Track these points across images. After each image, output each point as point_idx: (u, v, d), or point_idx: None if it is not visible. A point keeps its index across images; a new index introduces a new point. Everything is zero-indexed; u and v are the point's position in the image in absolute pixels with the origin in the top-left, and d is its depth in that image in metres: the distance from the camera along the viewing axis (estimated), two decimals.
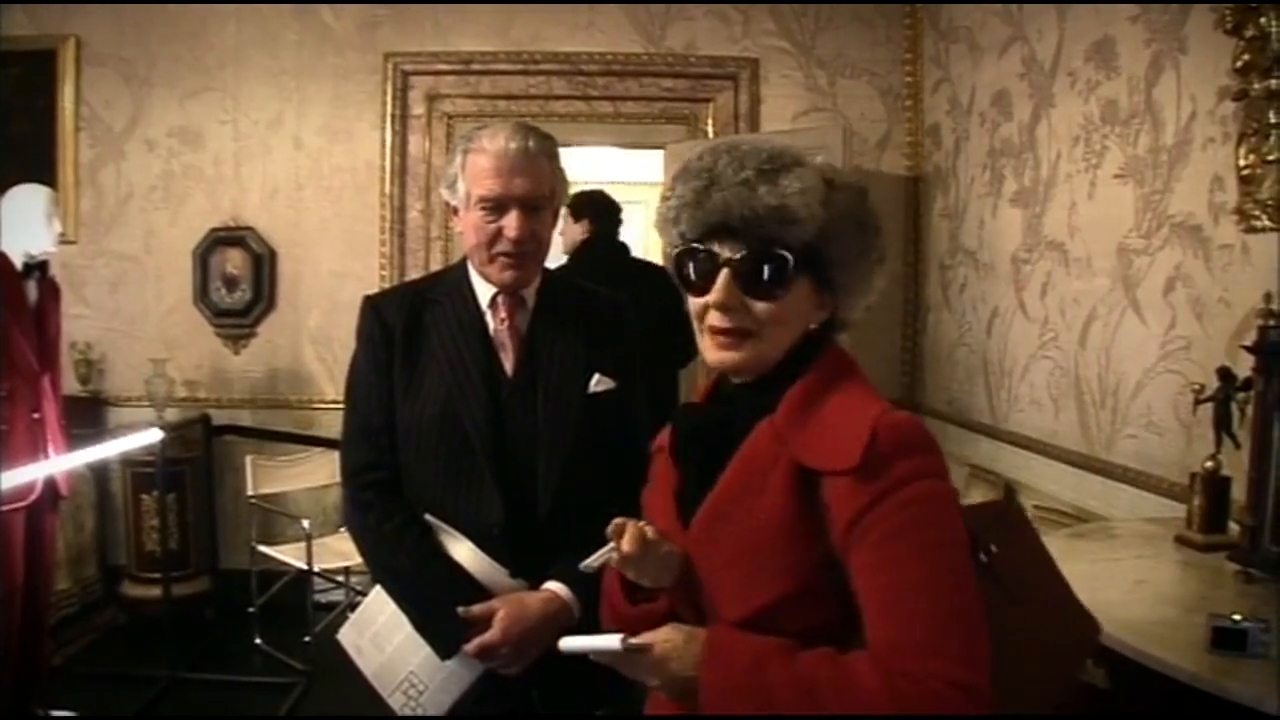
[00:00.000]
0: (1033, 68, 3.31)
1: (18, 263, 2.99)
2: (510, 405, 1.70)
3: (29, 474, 2.92)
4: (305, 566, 3.77)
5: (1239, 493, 1.99)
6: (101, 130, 4.50)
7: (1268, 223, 2.16)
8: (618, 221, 4.04)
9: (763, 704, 1.00)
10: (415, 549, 1.65)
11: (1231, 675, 1.39)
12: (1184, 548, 2.04)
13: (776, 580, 1.06)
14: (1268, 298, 1.90)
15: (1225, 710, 1.36)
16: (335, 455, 1.87)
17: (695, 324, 1.15)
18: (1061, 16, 3.11)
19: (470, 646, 1.59)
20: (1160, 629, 1.56)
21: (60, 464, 3.10)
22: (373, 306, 1.77)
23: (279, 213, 4.55)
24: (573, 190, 1.98)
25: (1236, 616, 1.46)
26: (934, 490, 1.03)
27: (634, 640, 1.06)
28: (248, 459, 4.02)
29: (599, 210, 3.96)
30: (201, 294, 4.53)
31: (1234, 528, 2.01)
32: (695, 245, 1.12)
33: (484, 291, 1.74)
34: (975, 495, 3.46)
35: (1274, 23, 2.12)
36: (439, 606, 1.61)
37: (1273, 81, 2.13)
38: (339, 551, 3.84)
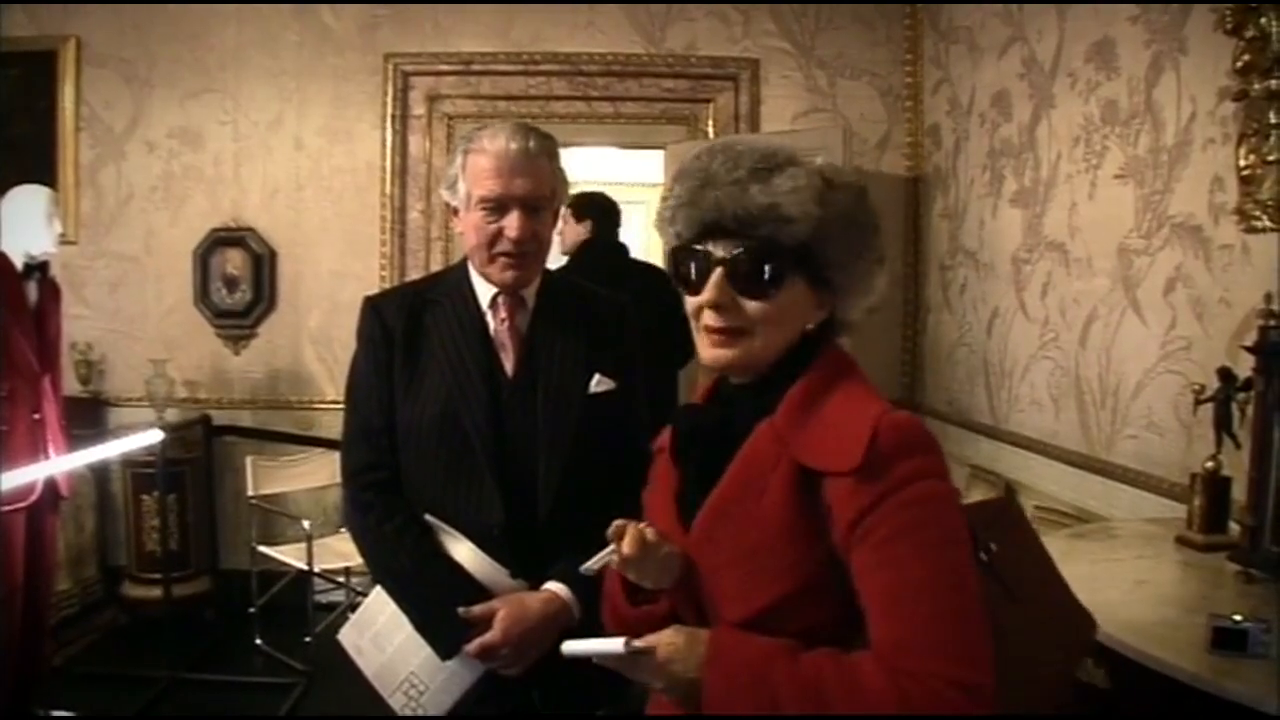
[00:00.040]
0: (1033, 68, 3.31)
1: (18, 263, 3.00)
2: (511, 405, 1.70)
3: (29, 474, 2.92)
4: (306, 567, 3.77)
5: (1239, 493, 1.99)
6: (102, 131, 4.50)
7: (1268, 223, 2.16)
8: (618, 222, 4.05)
9: (767, 705, 1.00)
10: (416, 549, 1.65)
11: (1232, 675, 1.39)
12: (1184, 548, 2.04)
13: (778, 581, 1.06)
14: (1268, 298, 1.90)
15: (1226, 710, 1.36)
16: (335, 456, 1.87)
17: (692, 323, 1.16)
18: (1061, 17, 3.11)
19: (471, 647, 1.59)
20: (1161, 629, 1.56)
21: (61, 464, 3.11)
22: (373, 307, 1.77)
23: (279, 213, 4.55)
24: (573, 190, 1.98)
25: (1237, 617, 1.46)
26: (935, 490, 1.03)
27: (637, 643, 1.06)
28: (248, 459, 4.02)
29: (601, 211, 3.96)
30: (202, 294, 4.53)
31: (1234, 528, 2.01)
32: (691, 245, 1.13)
33: (484, 292, 1.74)
34: (976, 495, 3.46)
35: (1274, 23, 2.12)
36: (439, 607, 1.61)
37: (1273, 82, 2.13)
38: (339, 552, 3.84)
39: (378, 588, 1.73)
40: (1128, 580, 1.83)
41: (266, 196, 4.55)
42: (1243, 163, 2.23)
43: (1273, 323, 1.86)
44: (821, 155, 1.18)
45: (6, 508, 2.83)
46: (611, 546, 1.14)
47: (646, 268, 3.97)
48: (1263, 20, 2.14)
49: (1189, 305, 2.46)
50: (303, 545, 3.75)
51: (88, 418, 4.23)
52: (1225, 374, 2.06)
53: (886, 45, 4.52)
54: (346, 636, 1.74)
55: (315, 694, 3.54)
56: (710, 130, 4.53)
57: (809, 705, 0.98)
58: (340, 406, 1.84)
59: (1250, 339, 1.95)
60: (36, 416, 3.02)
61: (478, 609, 1.59)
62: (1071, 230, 3.04)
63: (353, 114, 4.53)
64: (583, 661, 1.10)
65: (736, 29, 4.53)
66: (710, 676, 1.04)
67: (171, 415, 4.27)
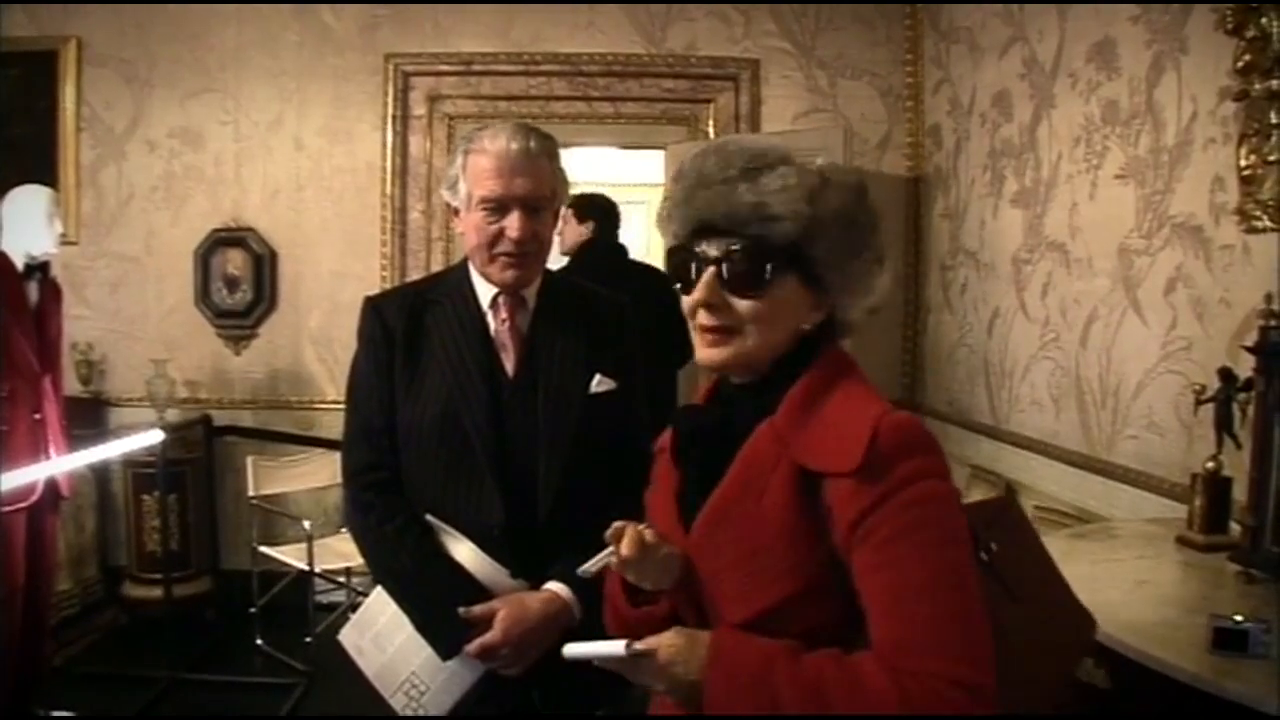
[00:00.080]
0: (1033, 68, 3.31)
1: (19, 263, 3.00)
2: (511, 406, 1.70)
3: (30, 475, 2.92)
4: (306, 567, 3.77)
5: (1240, 493, 1.99)
6: (102, 131, 4.51)
7: (1268, 223, 2.16)
8: (619, 223, 4.08)
9: (768, 706, 0.99)
10: (416, 549, 1.66)
11: (1232, 676, 1.39)
12: (1185, 548, 2.04)
13: (779, 582, 1.06)
14: (1268, 298, 1.90)
15: (1226, 711, 1.36)
16: (336, 456, 1.87)
17: (689, 323, 1.16)
18: (1062, 17, 3.11)
19: (471, 647, 1.59)
20: (1161, 629, 1.55)
21: (61, 465, 3.11)
22: (374, 307, 1.77)
23: (280, 213, 4.55)
24: (573, 191, 1.99)
25: (1238, 617, 1.46)
26: (936, 490, 1.03)
27: (638, 645, 1.06)
28: (249, 460, 4.02)
29: (603, 212, 3.99)
30: (202, 295, 4.53)
31: (1235, 528, 2.01)
32: (685, 244, 1.14)
33: (485, 292, 1.74)
34: (976, 496, 3.46)
35: (1275, 23, 2.12)
36: (440, 607, 1.61)
37: (1273, 82, 2.13)
38: (340, 552, 3.84)
39: (378, 588, 1.73)
40: (1128, 580, 1.83)
41: (267, 197, 4.55)
42: (1243, 163, 2.23)
43: (1273, 323, 1.86)
44: (822, 155, 1.18)
45: (7, 508, 2.83)
46: (610, 548, 1.14)
47: (646, 269, 3.99)
48: (1263, 20, 2.14)
49: (1190, 305, 2.46)
50: (303, 545, 3.75)
51: (88, 418, 4.23)
52: (1226, 374, 2.06)
53: (887, 45, 4.52)
54: (347, 637, 1.74)
55: (316, 694, 3.54)
56: (711, 130, 4.54)
57: (810, 706, 0.98)
58: (341, 407, 1.84)
59: (1251, 339, 1.95)
60: (37, 416, 3.03)
61: (478, 609, 1.59)
62: (1072, 230, 3.04)
63: (353, 114, 4.53)
64: (583, 662, 1.10)
65: (737, 29, 4.53)
66: (711, 678, 1.03)
67: (172, 415, 4.27)
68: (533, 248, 1.69)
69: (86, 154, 4.50)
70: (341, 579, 4.06)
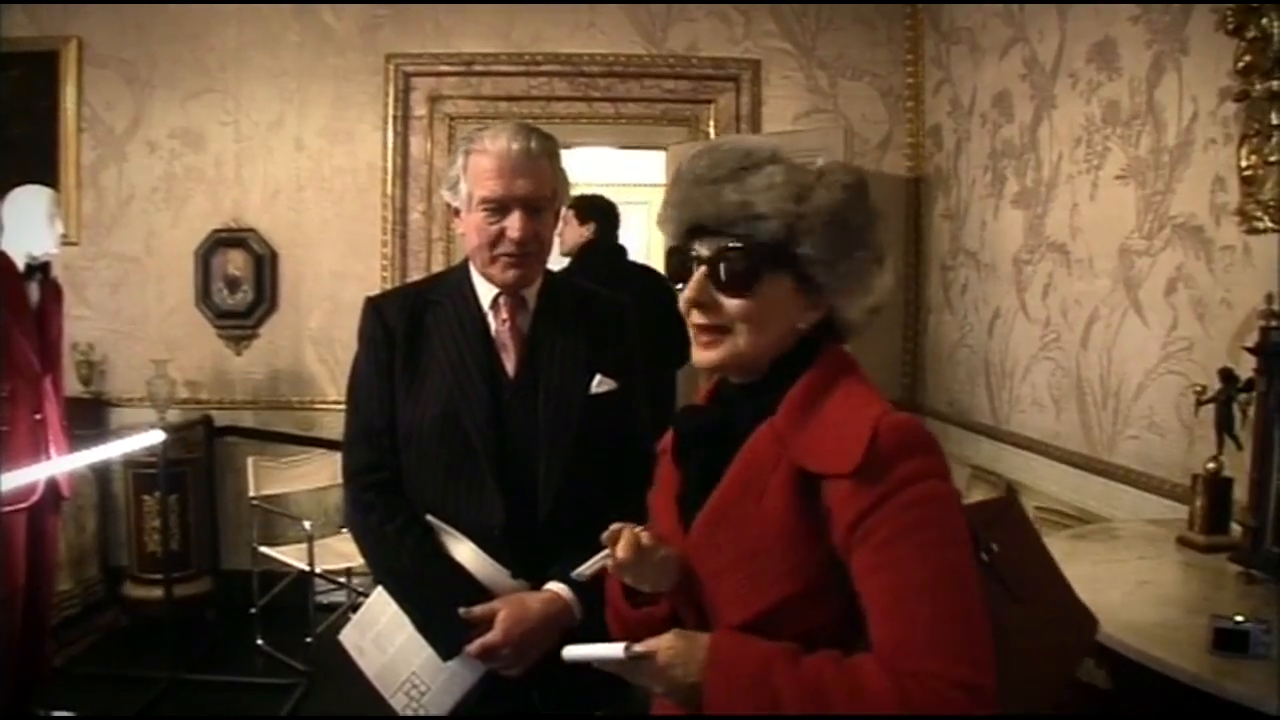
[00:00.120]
0: (1034, 69, 3.31)
1: (20, 264, 3.00)
2: (512, 406, 1.70)
3: (31, 475, 2.92)
4: (307, 567, 3.76)
5: (1241, 494, 1.99)
6: (103, 132, 4.51)
7: (1269, 224, 2.16)
8: (619, 225, 4.10)
9: (768, 708, 0.99)
10: (417, 550, 1.66)
11: (1233, 676, 1.38)
12: (1186, 549, 2.04)
13: (778, 583, 1.06)
14: (1269, 299, 1.90)
15: (1227, 711, 1.36)
16: (337, 456, 1.87)
17: (687, 324, 1.17)
18: (1063, 17, 3.11)
19: (472, 647, 1.59)
20: (1162, 630, 1.55)
21: (62, 465, 3.11)
22: (374, 308, 1.77)
23: (280, 214, 4.55)
24: (572, 191, 1.99)
25: (1238, 617, 1.46)
26: (936, 491, 1.02)
27: (637, 648, 1.06)
28: (249, 460, 4.02)
29: (604, 214, 4.02)
30: (203, 295, 4.54)
31: (1236, 529, 2.01)
32: (680, 245, 1.15)
33: (485, 292, 1.74)
34: (977, 496, 3.46)
35: (1275, 23, 2.12)
36: (441, 607, 1.61)
37: (1274, 82, 2.13)
38: (340, 552, 3.84)
39: (379, 588, 1.73)
40: (1129, 581, 1.82)
41: (268, 197, 4.55)
42: (1244, 163, 2.23)
43: (1274, 323, 1.86)
44: (823, 156, 1.18)
45: (8, 508, 2.83)
46: (606, 551, 1.14)
47: (645, 270, 4.04)
48: (1264, 21, 2.14)
49: (1190, 306, 2.46)
50: (304, 546, 3.75)
51: (89, 418, 4.23)
52: (1227, 375, 2.06)
53: (888, 46, 4.52)
54: (348, 637, 1.74)
55: (316, 694, 3.54)
56: (711, 131, 4.54)
57: (810, 708, 0.98)
58: (341, 407, 1.84)
59: (1251, 340, 1.95)
60: (38, 417, 3.03)
61: (479, 609, 1.59)
62: (1073, 231, 3.04)
63: (354, 115, 4.53)
64: (585, 664, 1.10)
65: (737, 30, 4.53)
66: (711, 680, 1.03)
67: (173, 416, 4.27)
68: (534, 248, 1.69)
69: (87, 154, 4.50)
70: (342, 579, 4.06)
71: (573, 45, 4.52)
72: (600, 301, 1.85)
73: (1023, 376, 3.40)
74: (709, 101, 4.56)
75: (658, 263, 5.53)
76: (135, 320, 4.55)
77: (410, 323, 1.73)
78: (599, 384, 1.74)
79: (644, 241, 6.74)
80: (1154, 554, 2.03)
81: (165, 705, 3.45)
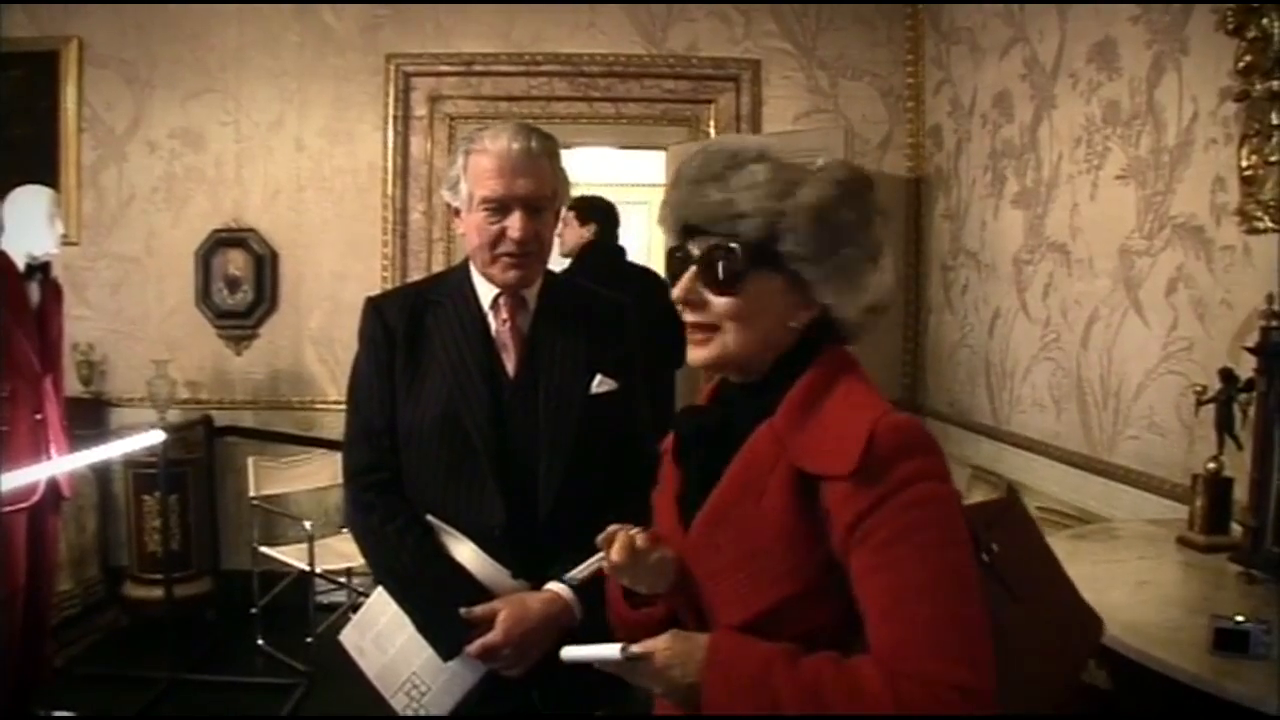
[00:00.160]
0: (1034, 69, 3.31)
1: (20, 264, 3.00)
2: (512, 406, 1.70)
3: (31, 475, 2.92)
4: (307, 567, 3.76)
5: (1241, 494, 1.99)
6: (103, 132, 4.51)
7: (1269, 224, 2.16)
8: (619, 225, 4.13)
9: (767, 709, 1.00)
10: (417, 550, 1.65)
11: (1233, 676, 1.38)
12: (1186, 549, 2.04)
13: (777, 584, 1.06)
14: (1269, 299, 1.90)
15: (1227, 711, 1.36)
16: (337, 456, 1.87)
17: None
18: (1063, 17, 3.11)
19: (472, 648, 1.59)
20: (1162, 630, 1.55)
21: (62, 465, 3.11)
22: (375, 308, 1.77)
23: (281, 214, 4.55)
24: (573, 192, 1.99)
25: (1239, 618, 1.46)
26: (935, 492, 1.02)
27: (634, 648, 1.06)
28: (249, 460, 4.02)
29: (604, 214, 4.04)
30: (203, 295, 4.53)
31: (1236, 529, 2.01)
32: (678, 245, 1.15)
33: (486, 292, 1.74)
34: (977, 496, 3.46)
35: (1276, 23, 2.12)
36: (441, 607, 1.61)
37: (1274, 82, 2.13)
38: (341, 552, 3.84)
39: (379, 588, 1.73)
40: (1129, 581, 1.82)
41: (268, 197, 4.55)
42: (1244, 163, 2.23)
43: (1274, 323, 1.86)
44: (824, 156, 1.17)
45: (8, 508, 2.83)
46: (600, 554, 1.15)
47: (645, 271, 4.07)
48: (1264, 21, 2.14)
49: (1190, 306, 2.46)
50: (304, 546, 3.75)
51: (89, 418, 4.23)
52: (1227, 375, 2.06)
53: (888, 46, 4.52)
54: (348, 637, 1.74)
55: (317, 695, 3.54)
56: (711, 131, 4.53)
57: (809, 709, 0.98)
58: (342, 407, 1.84)
59: (1252, 340, 1.95)
60: (38, 417, 3.03)
61: (479, 610, 1.59)
62: (1073, 231, 3.04)
63: (354, 115, 4.53)
64: (585, 664, 1.10)
65: (738, 30, 4.53)
66: (709, 681, 1.03)
67: (173, 416, 4.27)
68: (534, 248, 1.69)
69: (87, 155, 4.50)
70: (342, 579, 4.06)
71: (573, 45, 4.51)
72: (600, 301, 1.85)
73: (1023, 377, 3.40)
74: (709, 101, 4.56)
75: (658, 263, 5.57)
76: (135, 320, 4.55)
77: (410, 323, 1.73)
78: (599, 384, 1.74)
79: (644, 241, 6.74)
80: (1154, 554, 2.03)
81: (165, 705, 3.45)
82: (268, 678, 3.72)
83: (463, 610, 1.59)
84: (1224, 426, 2.04)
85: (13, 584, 2.95)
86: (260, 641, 3.94)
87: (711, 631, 1.10)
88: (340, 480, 1.81)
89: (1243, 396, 2.00)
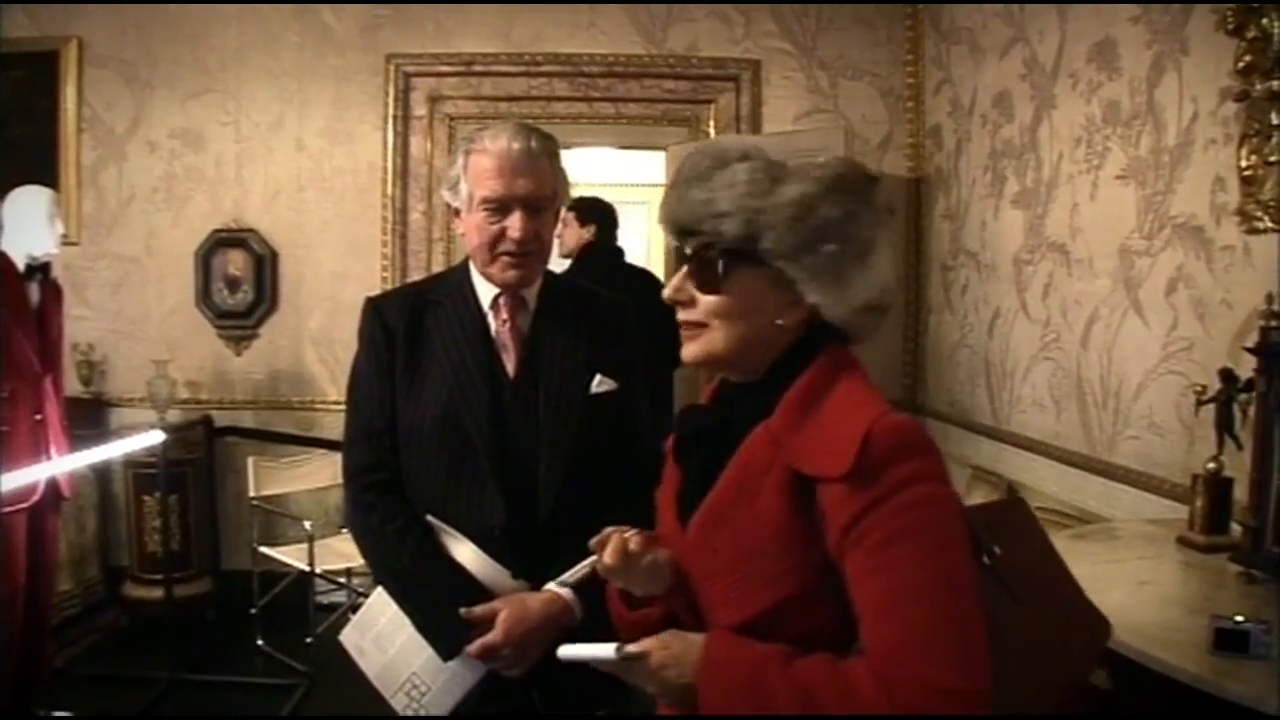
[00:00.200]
0: (1034, 69, 3.31)
1: (20, 264, 3.00)
2: (512, 406, 1.70)
3: (31, 475, 2.93)
4: (307, 568, 3.77)
5: (1241, 494, 1.99)
6: (103, 132, 4.51)
7: (1269, 224, 2.16)
8: (618, 226, 4.16)
9: (761, 711, 1.00)
10: (417, 550, 1.65)
11: (1233, 676, 1.39)
12: (1186, 549, 2.04)
13: (773, 585, 1.05)
14: (1269, 299, 1.90)
15: (1227, 711, 1.36)
16: (337, 456, 1.87)
17: None
18: (1063, 18, 3.11)
19: (472, 648, 1.59)
20: (1162, 630, 1.55)
21: (62, 465, 3.11)
22: (375, 308, 1.77)
23: (281, 214, 4.55)
24: (572, 193, 2.00)
25: (1239, 618, 1.46)
26: (932, 494, 1.01)
27: (630, 648, 1.07)
28: (249, 460, 4.02)
29: (604, 216, 4.07)
30: (203, 295, 4.53)
31: (1236, 529, 2.01)
32: (677, 244, 1.16)
33: (486, 292, 1.74)
34: (977, 497, 3.46)
35: (1276, 23, 2.12)
36: (441, 607, 1.61)
37: (1274, 83, 2.13)
38: (341, 553, 3.84)
39: (379, 588, 1.73)
40: (1129, 581, 1.82)
41: (268, 197, 4.55)
42: (1244, 163, 2.23)
43: (1274, 323, 1.86)
44: (824, 156, 1.17)
45: (8, 508, 2.83)
46: (592, 557, 1.15)
47: (643, 272, 4.10)
48: (1264, 21, 2.14)
49: (1190, 306, 2.46)
50: (304, 546, 3.75)
51: (89, 418, 4.23)
52: (1227, 375, 2.06)
53: (888, 46, 4.52)
54: (348, 637, 1.74)
55: (317, 695, 3.54)
56: (712, 131, 4.53)
57: (802, 712, 0.98)
58: (341, 407, 1.84)
59: (1252, 340, 1.95)
60: (38, 417, 3.03)
61: (479, 610, 1.59)
62: (1073, 231, 3.04)
63: (354, 115, 4.53)
64: (582, 663, 1.11)
65: (738, 30, 4.53)
66: (705, 682, 1.04)
67: (173, 416, 4.27)
68: (534, 247, 1.69)
69: (87, 155, 4.50)
70: (342, 579, 4.06)
71: (573, 45, 4.51)
72: (601, 302, 1.85)
73: (1023, 377, 3.40)
74: (709, 101, 4.56)
75: (657, 263, 5.60)
76: (135, 320, 4.55)
77: (410, 323, 1.73)
78: (599, 384, 1.73)
79: (644, 241, 6.75)
80: (1154, 554, 2.03)
81: (165, 706, 3.45)
82: (268, 678, 3.71)
83: (463, 610, 1.59)
84: (1224, 426, 2.04)
85: (13, 584, 2.95)
86: (260, 642, 3.94)
87: (709, 632, 1.10)
88: (340, 480, 1.80)
89: (1243, 396, 2.00)
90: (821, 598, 1.04)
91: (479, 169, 1.66)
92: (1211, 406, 2.07)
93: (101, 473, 4.32)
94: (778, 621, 1.05)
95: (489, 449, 1.66)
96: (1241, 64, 2.21)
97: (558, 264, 3.10)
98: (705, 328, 1.13)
